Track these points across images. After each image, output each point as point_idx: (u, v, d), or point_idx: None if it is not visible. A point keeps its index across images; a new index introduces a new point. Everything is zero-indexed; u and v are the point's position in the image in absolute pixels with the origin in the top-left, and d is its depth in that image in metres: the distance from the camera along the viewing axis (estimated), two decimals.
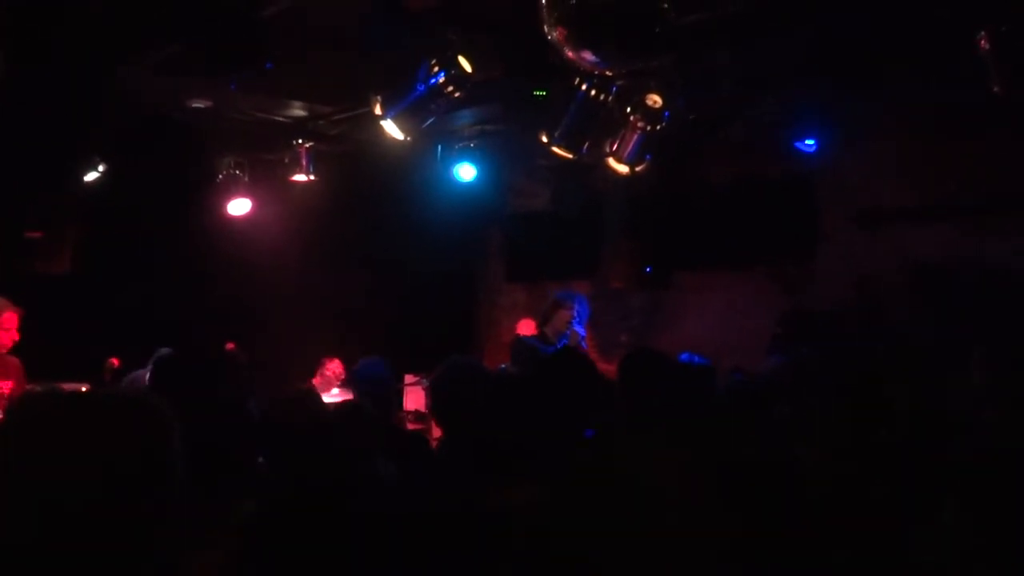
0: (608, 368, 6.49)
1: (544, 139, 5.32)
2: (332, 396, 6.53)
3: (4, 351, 5.23)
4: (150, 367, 4.79)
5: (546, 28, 3.83)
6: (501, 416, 2.53)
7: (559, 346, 6.10)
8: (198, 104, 6.03)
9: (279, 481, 2.76)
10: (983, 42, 4.25)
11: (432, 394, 3.64)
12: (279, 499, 2.58)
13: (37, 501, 1.38)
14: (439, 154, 7.43)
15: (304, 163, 6.97)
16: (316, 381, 7.07)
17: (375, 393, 4.22)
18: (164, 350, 5.87)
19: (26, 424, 1.45)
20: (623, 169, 5.54)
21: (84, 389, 5.17)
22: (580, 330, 6.27)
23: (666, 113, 5.34)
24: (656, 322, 8.08)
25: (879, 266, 6.71)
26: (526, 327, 7.40)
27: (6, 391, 5.16)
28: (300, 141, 6.90)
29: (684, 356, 4.49)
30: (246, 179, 7.33)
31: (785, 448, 2.38)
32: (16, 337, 5.25)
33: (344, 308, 8.10)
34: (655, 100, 5.31)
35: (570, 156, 5.34)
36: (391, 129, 5.10)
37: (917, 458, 2.52)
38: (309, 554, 2.39)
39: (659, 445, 1.71)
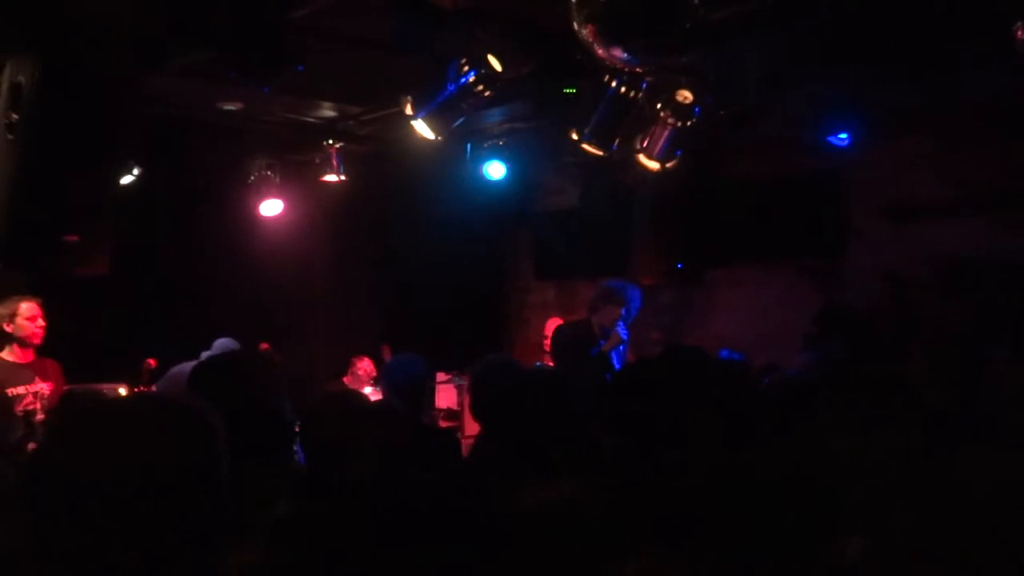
0: None
1: (574, 136, 5.29)
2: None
3: (37, 342, 5.27)
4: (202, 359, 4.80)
5: (576, 25, 3.81)
6: (547, 414, 2.52)
7: (601, 344, 6.00)
8: (229, 107, 6.07)
9: (315, 479, 2.76)
10: (1019, 32, 4.17)
11: (472, 393, 3.67)
12: (315, 498, 2.58)
13: (80, 505, 1.39)
14: (469, 152, 7.42)
15: (335, 163, 6.99)
16: (347, 380, 7.10)
17: (405, 391, 4.21)
18: (223, 340, 5.93)
19: (70, 430, 1.46)
20: (653, 165, 5.50)
21: (122, 390, 5.23)
22: (623, 332, 6.04)
23: (696, 109, 5.30)
24: (687, 319, 8.04)
25: (910, 261, 6.62)
26: (554, 326, 7.36)
27: (46, 392, 5.21)
28: (331, 141, 6.91)
29: (724, 353, 4.46)
30: (277, 180, 7.36)
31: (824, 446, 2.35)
32: (44, 325, 5.26)
33: (375, 307, 8.12)
34: (685, 96, 5.27)
35: (600, 153, 5.30)
36: (422, 129, 5.09)
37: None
38: (345, 553, 2.39)
39: None
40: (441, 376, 7.56)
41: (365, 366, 7.24)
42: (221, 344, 5.73)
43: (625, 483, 2.43)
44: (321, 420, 2.87)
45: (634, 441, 3.19)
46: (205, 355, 5.12)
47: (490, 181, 7.51)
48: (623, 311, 6.09)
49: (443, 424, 7.17)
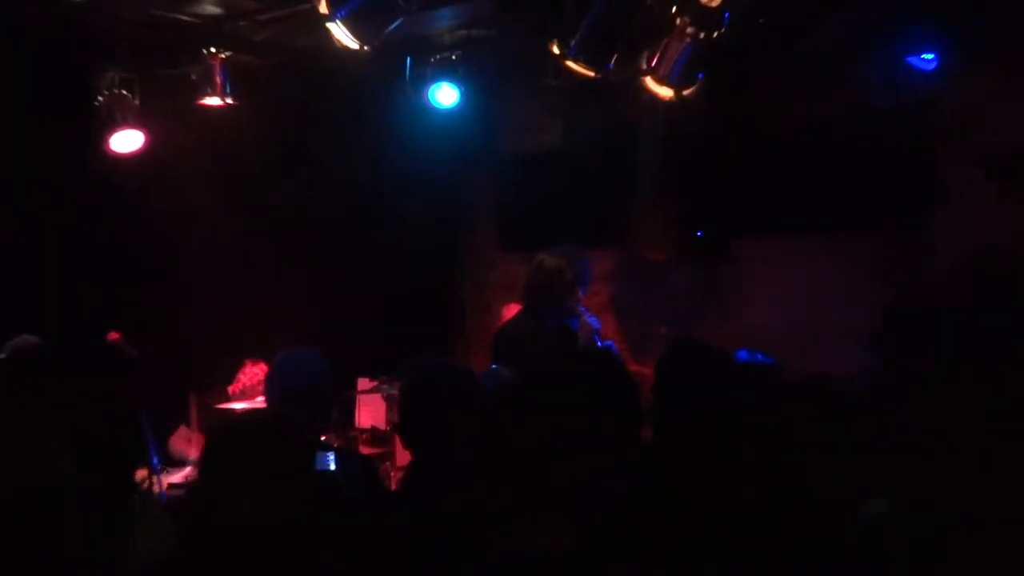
0: (641, 370, 6.48)
1: (555, 50, 5.30)
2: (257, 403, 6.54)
3: None
4: None
5: None
6: (506, 434, 2.53)
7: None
8: None
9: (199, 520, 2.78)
10: None
11: (400, 408, 3.68)
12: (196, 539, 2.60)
13: None
14: (409, 71, 7.40)
15: (219, 81, 6.95)
16: (234, 389, 7.07)
17: (303, 399, 4.20)
18: (25, 338, 5.86)
19: None
20: (665, 92, 5.53)
21: None
22: (593, 320, 6.17)
23: (726, 15, 5.32)
24: (709, 308, 8.08)
25: (1017, 231, 6.68)
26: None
27: None
28: (213, 50, 6.86)
29: (743, 354, 4.49)
30: (136, 103, 7.28)
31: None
32: None
33: (277, 286, 8.07)
34: None
35: (591, 74, 5.32)
36: (341, 35, 5.07)
37: None
38: None
39: None
40: (364, 383, 7.55)
41: (256, 372, 7.21)
42: (19, 344, 5.65)
43: (618, 529, 2.48)
44: (226, 449, 2.85)
45: (629, 472, 3.24)
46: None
47: (439, 111, 7.50)
48: (581, 290, 6.24)
49: (365, 451, 7.17)
